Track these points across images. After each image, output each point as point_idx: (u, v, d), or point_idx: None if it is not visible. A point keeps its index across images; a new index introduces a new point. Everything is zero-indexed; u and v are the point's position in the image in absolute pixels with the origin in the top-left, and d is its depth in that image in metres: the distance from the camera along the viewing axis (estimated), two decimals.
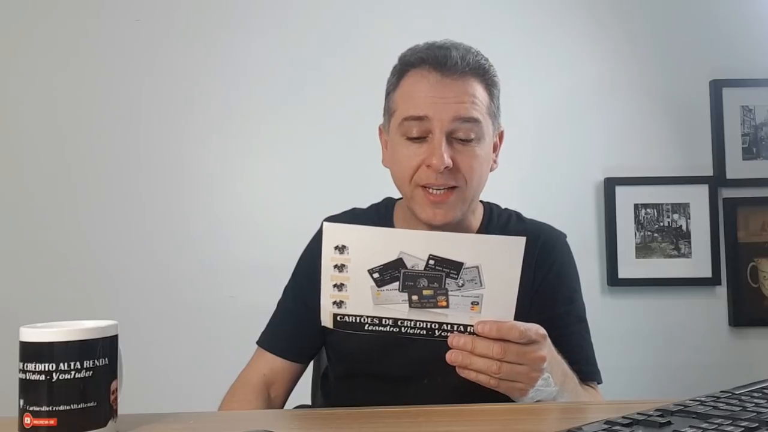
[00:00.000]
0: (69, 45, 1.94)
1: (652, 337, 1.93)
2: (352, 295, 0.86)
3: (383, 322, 0.87)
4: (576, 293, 1.13)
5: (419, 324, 0.87)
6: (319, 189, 1.90)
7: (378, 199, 1.21)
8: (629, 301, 1.94)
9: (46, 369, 0.67)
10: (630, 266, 1.93)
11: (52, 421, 0.67)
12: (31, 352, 0.68)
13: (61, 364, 0.68)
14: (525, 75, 1.96)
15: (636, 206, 1.94)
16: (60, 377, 0.68)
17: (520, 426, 0.78)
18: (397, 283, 0.85)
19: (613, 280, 1.92)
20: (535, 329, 0.85)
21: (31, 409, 0.68)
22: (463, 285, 0.84)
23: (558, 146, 1.96)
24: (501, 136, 1.14)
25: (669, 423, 0.61)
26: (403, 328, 0.88)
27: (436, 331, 0.87)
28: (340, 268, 0.85)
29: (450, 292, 0.84)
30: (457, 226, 1.09)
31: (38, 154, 1.91)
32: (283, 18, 1.95)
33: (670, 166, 1.96)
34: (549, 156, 1.95)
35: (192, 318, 1.88)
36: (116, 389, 0.73)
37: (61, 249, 1.89)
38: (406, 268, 0.84)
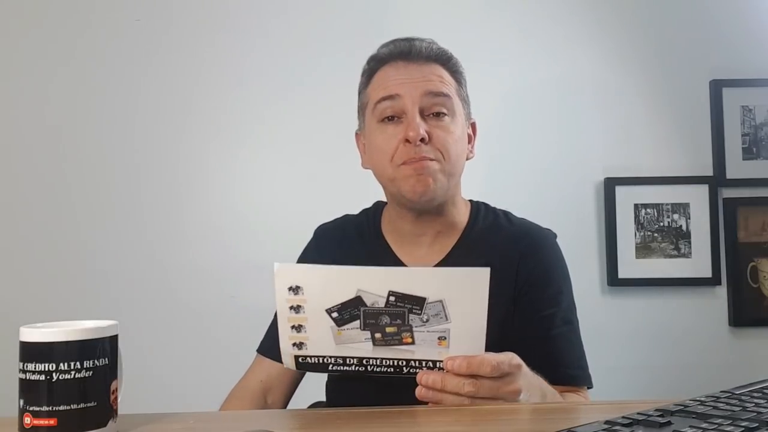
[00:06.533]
0: (68, 45, 1.94)
1: (652, 337, 1.92)
2: (311, 335, 0.84)
3: (348, 362, 0.86)
4: (562, 294, 1.11)
5: (385, 362, 0.85)
6: (318, 189, 1.90)
7: (376, 199, 1.22)
8: (629, 301, 1.93)
9: (46, 369, 0.67)
10: (630, 266, 1.92)
11: (52, 421, 0.67)
12: (31, 352, 0.68)
13: (61, 364, 0.67)
14: (525, 74, 1.96)
15: (636, 206, 1.94)
16: (60, 377, 0.67)
17: (520, 426, 0.78)
18: (358, 321, 0.82)
19: (613, 280, 1.92)
20: (509, 361, 0.82)
21: (31, 409, 0.68)
22: (427, 320, 0.81)
23: (558, 146, 1.95)
24: (474, 127, 1.17)
25: (669, 423, 0.61)
26: (369, 367, 0.86)
27: (404, 368, 0.85)
28: (296, 309, 0.83)
29: (415, 328, 0.82)
30: (443, 219, 1.10)
31: (37, 154, 1.91)
32: (282, 18, 1.95)
33: (670, 166, 1.96)
34: (549, 156, 1.95)
35: (192, 318, 1.88)
36: (116, 389, 0.73)
37: (61, 249, 1.89)
38: (366, 305, 0.81)
